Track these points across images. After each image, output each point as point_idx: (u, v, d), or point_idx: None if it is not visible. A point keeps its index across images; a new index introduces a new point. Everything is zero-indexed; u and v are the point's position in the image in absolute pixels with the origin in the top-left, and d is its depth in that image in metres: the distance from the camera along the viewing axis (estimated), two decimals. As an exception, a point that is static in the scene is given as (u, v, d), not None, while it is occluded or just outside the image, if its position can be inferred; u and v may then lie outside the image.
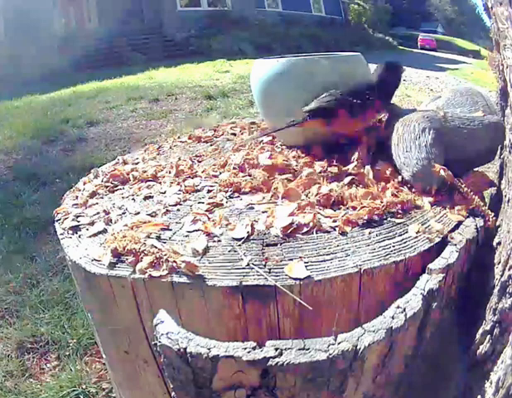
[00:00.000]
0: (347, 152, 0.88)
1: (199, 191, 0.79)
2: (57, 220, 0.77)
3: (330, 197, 0.70)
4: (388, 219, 0.66)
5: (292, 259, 0.57)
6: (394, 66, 0.90)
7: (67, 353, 1.41)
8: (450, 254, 0.58)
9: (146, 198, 0.78)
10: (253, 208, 0.71)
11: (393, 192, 0.71)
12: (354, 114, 0.83)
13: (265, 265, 0.56)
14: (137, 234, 0.64)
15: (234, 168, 0.86)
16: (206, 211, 0.71)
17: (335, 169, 0.81)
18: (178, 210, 0.73)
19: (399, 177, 0.75)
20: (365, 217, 0.64)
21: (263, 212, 0.68)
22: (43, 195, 2.61)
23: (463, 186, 0.68)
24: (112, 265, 0.60)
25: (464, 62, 15.04)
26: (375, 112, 0.88)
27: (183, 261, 0.56)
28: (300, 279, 0.54)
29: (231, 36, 12.12)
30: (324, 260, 0.57)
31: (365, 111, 0.85)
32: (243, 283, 0.54)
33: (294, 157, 0.90)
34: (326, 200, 0.70)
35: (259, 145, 1.01)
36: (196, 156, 0.99)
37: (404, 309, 0.51)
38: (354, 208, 0.68)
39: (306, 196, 0.72)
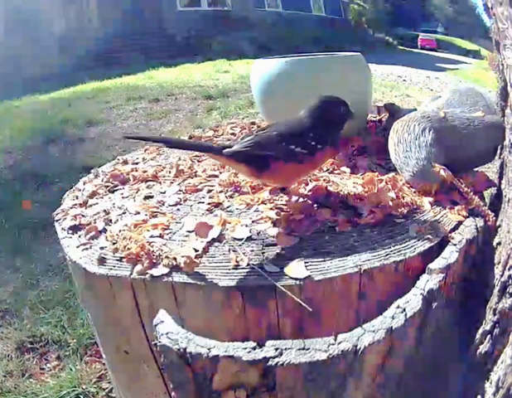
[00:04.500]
0: (347, 152, 0.88)
1: (199, 190, 0.79)
2: (57, 220, 0.77)
3: (330, 197, 0.70)
4: (389, 219, 0.65)
5: (292, 259, 0.57)
6: (333, 102, 0.69)
7: (67, 353, 1.41)
8: (450, 254, 0.58)
9: (146, 198, 0.78)
10: (253, 208, 0.71)
11: (397, 194, 0.70)
12: (294, 164, 0.65)
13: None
14: (138, 234, 0.64)
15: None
16: (206, 210, 0.71)
17: (336, 169, 0.81)
18: (178, 210, 0.73)
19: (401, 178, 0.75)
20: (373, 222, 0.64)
21: (263, 212, 0.68)
22: (43, 195, 2.61)
23: (463, 186, 0.68)
24: (112, 265, 0.60)
25: (464, 62, 15.05)
26: (323, 158, 0.70)
27: (183, 256, 0.56)
28: (300, 279, 0.54)
29: (231, 36, 12.13)
30: (324, 260, 0.57)
31: (313, 158, 0.66)
32: (244, 283, 0.54)
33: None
34: (326, 199, 0.70)
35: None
36: (196, 156, 0.99)
37: (404, 309, 0.51)
38: (355, 208, 0.68)
39: (306, 196, 0.71)
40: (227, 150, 0.62)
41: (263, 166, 0.64)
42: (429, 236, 0.60)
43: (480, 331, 0.59)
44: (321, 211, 0.67)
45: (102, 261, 0.61)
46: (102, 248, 0.64)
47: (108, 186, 0.86)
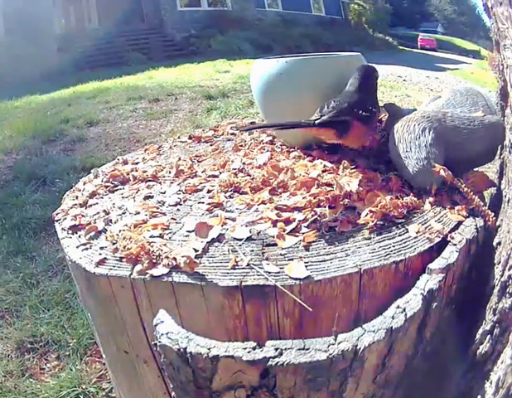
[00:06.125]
0: (348, 152, 0.88)
1: (199, 191, 0.79)
2: (57, 220, 0.77)
3: (329, 197, 0.70)
4: (389, 219, 0.65)
5: (292, 259, 0.57)
6: (371, 69, 0.86)
7: (67, 353, 1.41)
8: (450, 254, 0.58)
9: (146, 198, 0.78)
10: (253, 208, 0.71)
11: (397, 194, 0.70)
12: (365, 126, 0.80)
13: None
14: (137, 234, 0.64)
15: (233, 168, 0.86)
16: (206, 210, 0.71)
17: (336, 169, 0.81)
18: (178, 210, 0.73)
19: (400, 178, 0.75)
20: (373, 222, 0.64)
21: (263, 212, 0.68)
22: (43, 195, 2.61)
23: (463, 186, 0.68)
24: (112, 265, 0.60)
25: (464, 62, 15.07)
26: (377, 123, 0.86)
27: (183, 256, 0.56)
28: (300, 279, 0.54)
29: (231, 36, 12.14)
30: (324, 260, 0.57)
31: (372, 123, 0.82)
32: (243, 283, 0.54)
33: (295, 157, 0.90)
34: (326, 200, 0.70)
35: (259, 145, 1.01)
36: (196, 156, 0.99)
37: (404, 309, 0.51)
38: (355, 208, 0.68)
39: (306, 196, 0.71)
40: (319, 120, 0.77)
41: (344, 129, 0.78)
42: (429, 236, 0.60)
43: (480, 331, 0.59)
44: (322, 211, 0.67)
45: (102, 262, 0.61)
46: (102, 248, 0.64)
47: (108, 186, 0.86)
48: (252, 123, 1.26)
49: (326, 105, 0.79)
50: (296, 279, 0.54)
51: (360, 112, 0.78)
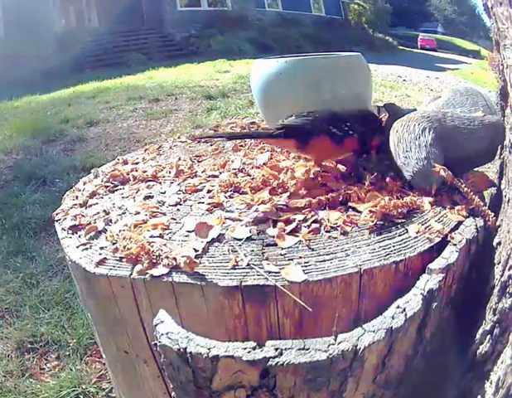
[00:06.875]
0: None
1: (199, 191, 0.79)
2: (57, 220, 0.77)
3: (329, 198, 0.70)
4: (389, 219, 0.65)
5: (292, 259, 0.57)
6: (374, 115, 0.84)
7: (67, 353, 1.41)
8: (450, 254, 0.58)
9: (146, 198, 0.78)
10: (253, 208, 0.71)
11: (397, 194, 0.70)
12: (332, 143, 0.76)
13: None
14: (137, 234, 0.64)
15: (233, 168, 0.86)
16: (206, 210, 0.71)
17: (337, 169, 0.81)
18: (178, 210, 0.73)
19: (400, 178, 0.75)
20: (373, 222, 0.64)
21: (263, 212, 0.68)
22: (43, 195, 2.61)
23: (463, 186, 0.68)
24: (112, 265, 0.60)
25: (464, 62, 15.09)
26: (351, 147, 0.80)
27: (183, 256, 0.56)
28: (297, 284, 0.54)
29: (231, 36, 12.14)
30: (324, 260, 0.57)
31: (343, 143, 0.77)
32: (243, 283, 0.54)
33: (294, 157, 0.90)
34: (326, 200, 0.70)
35: (259, 145, 1.01)
36: (196, 156, 0.99)
37: (404, 309, 0.51)
38: (355, 208, 0.68)
39: (306, 196, 0.71)
40: (276, 132, 0.73)
41: (305, 140, 0.75)
42: (429, 236, 0.60)
43: (480, 331, 0.59)
44: (323, 212, 0.67)
45: (102, 262, 0.61)
46: (102, 248, 0.64)
47: (108, 186, 0.86)
48: (252, 123, 1.26)
49: (295, 115, 0.77)
50: (293, 282, 0.54)
51: (331, 128, 0.76)
